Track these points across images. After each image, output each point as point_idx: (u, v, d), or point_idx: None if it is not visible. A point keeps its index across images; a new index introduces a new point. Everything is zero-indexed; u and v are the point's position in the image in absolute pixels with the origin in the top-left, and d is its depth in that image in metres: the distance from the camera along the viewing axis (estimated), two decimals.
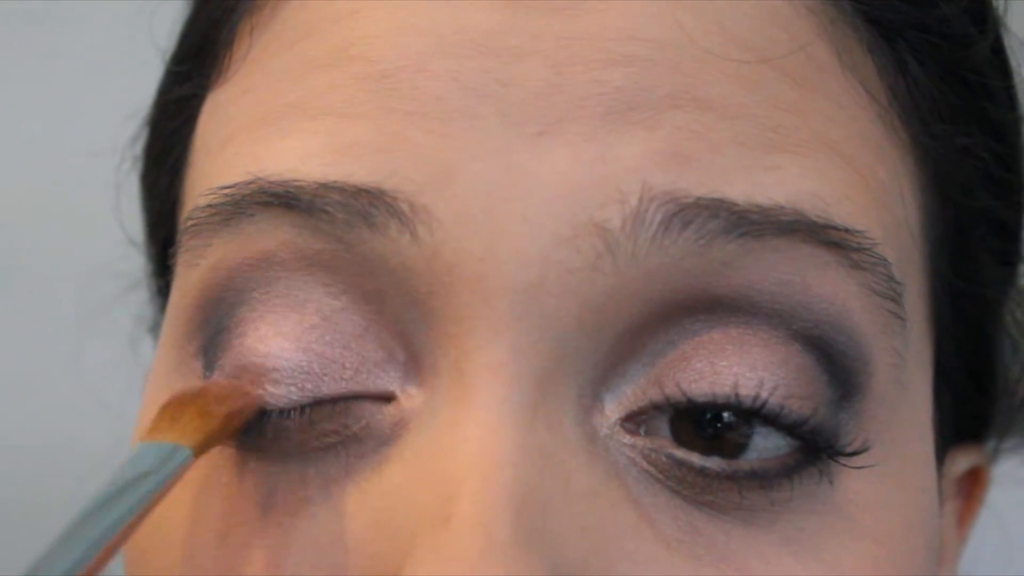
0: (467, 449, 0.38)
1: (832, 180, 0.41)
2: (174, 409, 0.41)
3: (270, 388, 0.41)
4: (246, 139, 0.42)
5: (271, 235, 0.41)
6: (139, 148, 0.56)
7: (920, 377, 0.45)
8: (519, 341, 0.38)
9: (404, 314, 0.40)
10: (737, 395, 0.40)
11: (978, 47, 0.46)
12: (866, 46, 0.43)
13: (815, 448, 0.40)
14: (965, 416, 0.52)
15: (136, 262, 0.62)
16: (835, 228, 0.40)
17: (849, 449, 0.41)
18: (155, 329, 0.62)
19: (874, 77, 0.44)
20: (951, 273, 0.47)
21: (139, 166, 0.57)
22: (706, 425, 0.40)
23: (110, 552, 0.38)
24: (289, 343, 0.41)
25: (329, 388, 0.41)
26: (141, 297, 0.62)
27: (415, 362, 0.40)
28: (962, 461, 0.53)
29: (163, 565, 0.42)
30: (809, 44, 0.42)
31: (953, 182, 0.46)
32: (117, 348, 0.64)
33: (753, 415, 0.40)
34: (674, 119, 0.39)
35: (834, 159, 0.41)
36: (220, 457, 0.42)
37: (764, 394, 0.40)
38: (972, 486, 0.55)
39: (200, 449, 0.40)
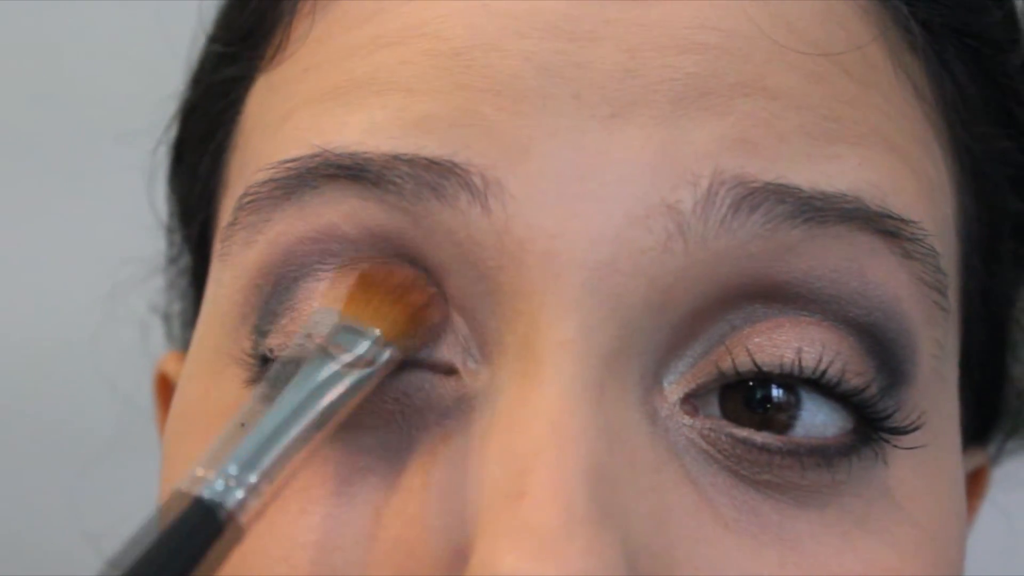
0: (538, 425, 0.38)
1: (888, 172, 0.42)
2: (366, 289, 0.41)
3: None
4: (308, 113, 0.42)
5: (335, 208, 0.41)
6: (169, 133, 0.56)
7: (952, 372, 0.46)
8: (589, 319, 0.39)
9: (468, 288, 0.40)
10: (800, 362, 0.41)
11: (1014, 54, 0.47)
12: (916, 47, 0.45)
13: (868, 421, 0.41)
14: (975, 416, 0.53)
15: (149, 249, 0.62)
16: (892, 217, 0.41)
17: (902, 425, 0.42)
18: (168, 317, 0.62)
19: (923, 77, 0.45)
20: (983, 272, 0.49)
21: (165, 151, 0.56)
22: (756, 405, 0.41)
23: (319, 428, 0.39)
24: None
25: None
26: (156, 284, 0.62)
27: (477, 336, 0.41)
28: (968, 462, 0.55)
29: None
30: (865, 43, 0.43)
31: (989, 183, 0.48)
32: (129, 333, 0.63)
33: (812, 384, 0.41)
34: (743, 106, 0.40)
35: (889, 153, 0.42)
36: None
37: (824, 364, 0.41)
38: (974, 486, 0.56)
39: (401, 347, 0.41)
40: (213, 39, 0.52)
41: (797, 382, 0.41)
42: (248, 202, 0.42)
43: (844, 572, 0.40)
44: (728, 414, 0.41)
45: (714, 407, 0.41)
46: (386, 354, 0.40)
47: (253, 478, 0.37)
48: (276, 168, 0.42)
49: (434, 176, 0.40)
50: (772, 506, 0.40)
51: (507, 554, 0.36)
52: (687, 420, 0.41)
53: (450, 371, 0.41)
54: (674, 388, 0.41)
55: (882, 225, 0.41)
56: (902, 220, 0.41)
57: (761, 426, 0.41)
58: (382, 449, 0.41)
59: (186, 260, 0.58)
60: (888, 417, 0.42)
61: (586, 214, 0.39)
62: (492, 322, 0.40)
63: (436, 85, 0.41)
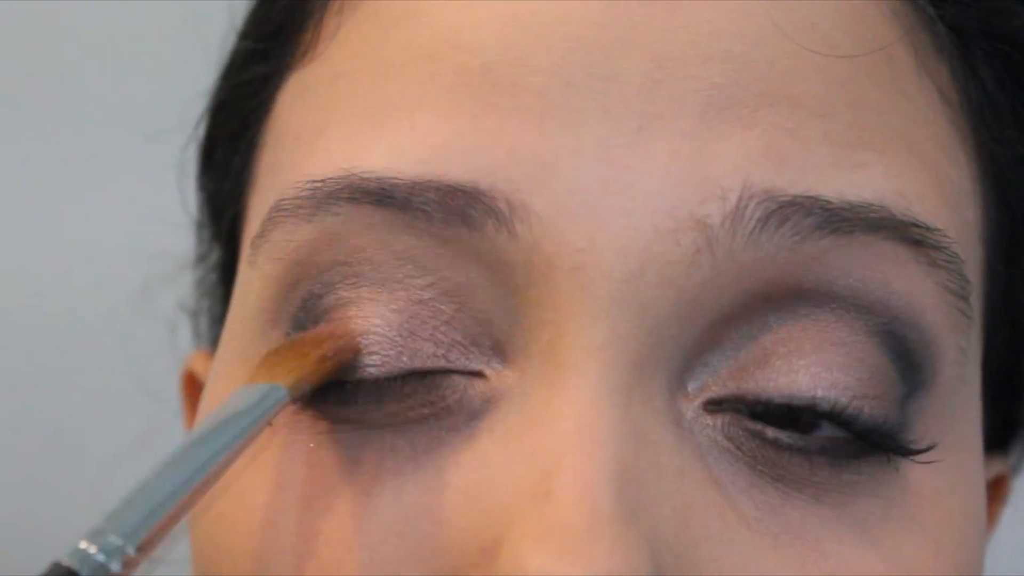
0: (565, 425, 0.38)
1: (912, 179, 0.42)
2: (272, 358, 0.41)
3: (363, 360, 0.42)
4: (339, 133, 0.43)
5: (360, 232, 0.41)
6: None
7: (975, 376, 0.46)
8: (617, 327, 0.39)
9: (495, 301, 0.41)
10: (815, 402, 0.41)
11: None
12: (943, 51, 0.45)
13: (884, 449, 0.42)
14: (996, 422, 0.53)
15: (176, 246, 0.62)
16: (917, 226, 0.41)
17: (916, 446, 0.42)
18: (196, 315, 0.63)
19: (948, 81, 0.45)
20: (1005, 277, 0.49)
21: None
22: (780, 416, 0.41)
23: (206, 486, 0.38)
24: (377, 326, 0.41)
25: (418, 364, 0.41)
26: (184, 282, 0.62)
27: (501, 347, 0.41)
28: (989, 468, 0.55)
29: (243, 531, 0.42)
30: (891, 45, 0.43)
31: (1013, 188, 0.48)
32: (157, 331, 0.64)
33: (829, 419, 0.41)
34: (769, 117, 0.40)
35: (912, 159, 0.42)
36: (305, 425, 0.42)
37: (842, 400, 0.41)
38: (995, 492, 0.56)
39: (295, 388, 0.40)
40: (243, 36, 0.53)
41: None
42: (276, 217, 0.43)
43: (865, 572, 0.40)
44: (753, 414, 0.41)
45: (742, 411, 0.41)
46: (274, 395, 0.40)
47: (131, 550, 0.36)
48: (303, 187, 0.42)
49: (460, 203, 0.40)
50: (792, 504, 0.41)
51: (533, 554, 0.36)
52: (710, 420, 0.41)
53: (477, 374, 0.41)
54: (697, 394, 0.41)
55: (908, 234, 0.41)
56: (927, 228, 0.42)
57: (787, 426, 0.41)
58: (410, 449, 0.41)
59: (215, 257, 0.58)
60: (902, 442, 0.42)
61: (614, 227, 0.39)
62: (519, 331, 0.41)
63: (465, 106, 0.41)
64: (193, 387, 0.59)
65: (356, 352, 0.41)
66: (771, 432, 0.41)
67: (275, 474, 0.42)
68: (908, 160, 0.42)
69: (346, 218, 0.41)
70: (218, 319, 0.60)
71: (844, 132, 0.41)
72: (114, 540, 0.36)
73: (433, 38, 0.42)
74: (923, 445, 0.42)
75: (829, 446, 0.41)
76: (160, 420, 0.62)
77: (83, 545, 0.35)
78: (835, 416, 0.41)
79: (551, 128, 0.40)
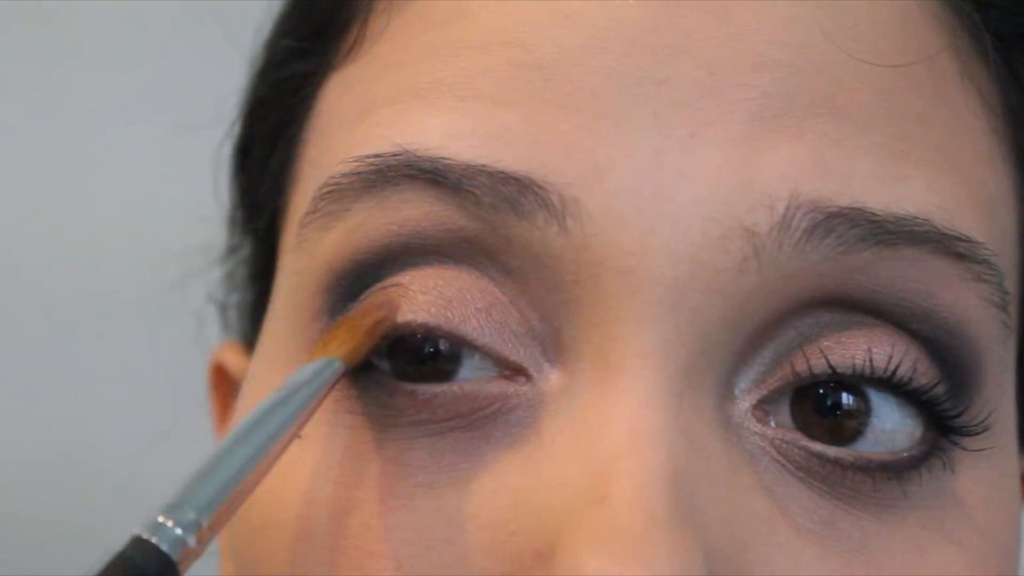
0: (618, 429, 0.39)
1: (952, 193, 0.42)
2: (326, 336, 0.42)
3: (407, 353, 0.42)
4: (390, 111, 0.43)
5: (416, 206, 0.41)
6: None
7: (1011, 382, 0.46)
8: (667, 332, 0.39)
9: (545, 295, 0.41)
10: (871, 362, 0.41)
11: None
12: (986, 56, 0.45)
13: (938, 419, 0.42)
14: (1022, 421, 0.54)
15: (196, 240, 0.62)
16: (961, 239, 0.42)
17: (971, 424, 0.42)
18: (225, 308, 0.63)
19: (990, 86, 0.45)
20: None
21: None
22: (826, 411, 0.42)
23: (271, 460, 0.39)
24: (434, 308, 0.41)
25: (468, 348, 0.41)
26: (210, 277, 0.62)
27: (555, 339, 0.41)
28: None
29: (280, 540, 0.42)
30: (936, 53, 0.43)
31: None
32: (183, 324, 0.64)
33: (884, 383, 0.41)
34: (816, 127, 0.41)
35: (952, 172, 0.43)
36: (345, 431, 0.42)
37: (894, 363, 0.41)
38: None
39: (348, 358, 0.41)
40: (283, 34, 0.53)
41: (868, 383, 0.42)
42: (328, 191, 0.43)
43: None
44: (798, 421, 0.42)
45: (784, 415, 0.42)
46: (331, 367, 0.41)
47: (205, 521, 0.36)
48: (358, 162, 0.42)
49: (512, 191, 0.40)
50: (845, 518, 0.41)
51: (592, 557, 0.37)
52: (758, 427, 0.41)
53: (520, 371, 0.41)
54: (746, 395, 0.41)
55: (952, 247, 0.42)
56: (971, 242, 0.42)
57: (832, 432, 0.41)
58: (455, 456, 0.41)
59: (247, 250, 0.58)
60: (958, 416, 0.42)
61: (664, 233, 0.40)
62: (568, 329, 0.41)
63: (517, 98, 0.41)
64: (221, 378, 0.59)
65: (397, 312, 0.42)
66: (832, 451, 0.41)
67: (314, 484, 0.42)
68: (948, 173, 0.43)
69: (402, 192, 0.41)
70: (248, 311, 0.60)
71: (887, 144, 0.42)
72: (190, 515, 0.36)
73: (485, 34, 0.42)
74: (976, 427, 0.43)
75: (890, 461, 0.41)
76: (186, 412, 0.62)
77: (160, 519, 0.35)
78: (890, 376, 0.41)
79: (604, 129, 0.40)
